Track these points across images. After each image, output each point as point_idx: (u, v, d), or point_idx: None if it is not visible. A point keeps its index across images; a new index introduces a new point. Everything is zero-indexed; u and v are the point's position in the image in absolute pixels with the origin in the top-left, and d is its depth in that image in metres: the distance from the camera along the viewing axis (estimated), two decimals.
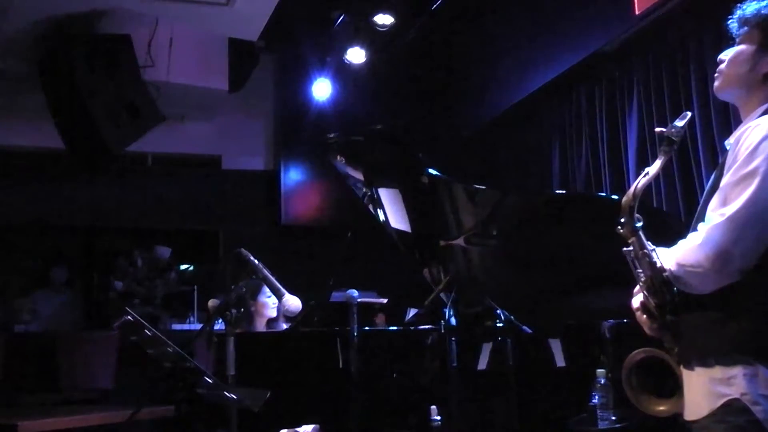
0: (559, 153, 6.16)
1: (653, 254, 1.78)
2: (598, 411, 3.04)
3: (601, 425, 3.02)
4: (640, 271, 1.80)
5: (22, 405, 5.23)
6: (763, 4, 1.90)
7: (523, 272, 3.68)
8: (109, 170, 6.76)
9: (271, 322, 3.87)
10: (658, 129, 1.84)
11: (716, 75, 1.95)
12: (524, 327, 3.47)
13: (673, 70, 4.83)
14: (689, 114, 1.85)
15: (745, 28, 1.90)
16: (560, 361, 3.40)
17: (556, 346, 3.41)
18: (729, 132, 2.01)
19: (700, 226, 1.75)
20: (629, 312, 1.96)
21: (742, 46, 1.89)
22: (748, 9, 1.91)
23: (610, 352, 3.33)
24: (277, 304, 3.76)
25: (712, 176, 1.91)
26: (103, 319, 6.86)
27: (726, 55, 1.92)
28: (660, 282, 1.77)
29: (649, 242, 1.79)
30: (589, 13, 5.33)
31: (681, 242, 1.79)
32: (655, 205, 4.78)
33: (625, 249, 1.82)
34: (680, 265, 1.74)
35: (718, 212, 1.71)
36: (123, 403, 5.07)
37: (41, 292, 6.79)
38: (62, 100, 5.54)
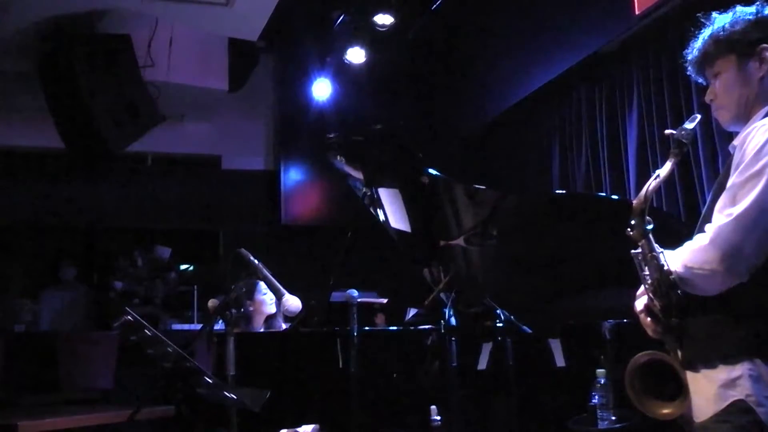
0: (559, 153, 6.16)
1: (661, 257, 1.77)
2: (598, 411, 3.04)
3: (601, 425, 3.02)
4: (647, 273, 1.79)
5: (22, 405, 5.23)
6: (707, 34, 1.93)
7: (523, 272, 3.68)
8: (109, 170, 6.76)
9: (270, 319, 3.87)
10: (668, 131, 1.83)
11: (716, 113, 1.96)
12: (524, 327, 3.47)
13: (673, 70, 4.82)
14: (698, 116, 1.85)
15: (715, 61, 1.91)
16: (560, 361, 3.40)
17: (556, 346, 3.41)
18: (728, 132, 2.01)
19: (707, 226, 1.74)
20: (629, 312, 1.95)
21: (723, 75, 1.91)
22: (698, 46, 1.94)
23: (610, 352, 3.33)
24: (274, 299, 3.77)
25: (719, 177, 1.90)
26: (103, 319, 6.86)
27: (712, 93, 1.95)
28: (666, 284, 1.76)
29: (657, 245, 1.78)
30: (589, 13, 5.33)
31: (687, 244, 1.79)
32: (654, 205, 4.78)
33: (633, 251, 1.81)
34: (687, 267, 1.74)
35: (726, 212, 1.71)
36: (123, 403, 5.08)
37: (50, 290, 6.78)
38: (62, 100, 5.54)
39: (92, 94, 5.39)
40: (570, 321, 3.61)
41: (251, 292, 3.73)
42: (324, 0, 6.68)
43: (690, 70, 2.00)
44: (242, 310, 3.48)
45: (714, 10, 2.00)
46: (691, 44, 1.98)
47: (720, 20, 1.92)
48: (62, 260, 6.88)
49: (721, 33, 1.90)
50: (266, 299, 3.79)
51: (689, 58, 1.99)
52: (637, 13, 4.78)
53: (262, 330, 3.85)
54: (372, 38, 6.61)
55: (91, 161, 5.94)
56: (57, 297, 6.74)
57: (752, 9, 1.90)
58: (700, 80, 2.00)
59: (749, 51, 1.86)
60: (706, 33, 1.94)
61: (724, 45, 1.89)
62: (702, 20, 1.97)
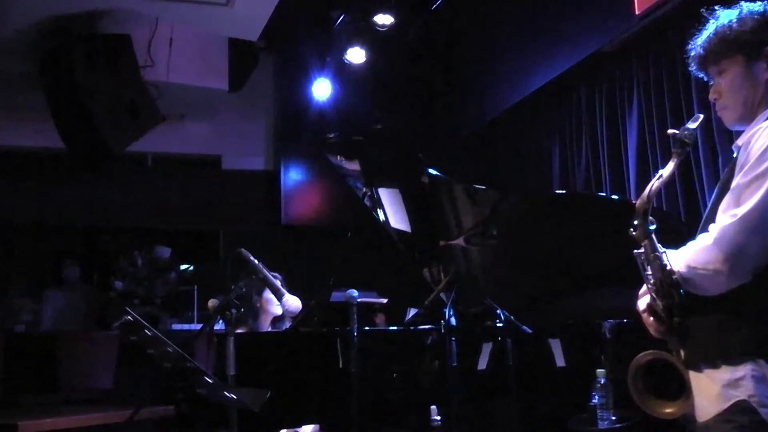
0: (559, 153, 6.16)
1: (664, 257, 1.77)
2: (598, 411, 3.04)
3: (601, 425, 3.02)
4: (649, 273, 1.79)
5: (22, 405, 5.22)
6: (711, 30, 1.89)
7: (523, 272, 3.68)
8: (109, 170, 6.76)
9: (277, 321, 3.86)
10: (670, 131, 1.82)
11: (720, 112, 1.93)
12: (524, 327, 3.47)
13: (673, 70, 4.82)
14: (701, 116, 1.84)
15: (721, 60, 1.88)
16: (560, 361, 3.40)
17: (556, 346, 3.41)
18: (728, 132, 2.00)
19: (711, 226, 1.74)
20: (629, 312, 1.95)
21: (730, 74, 1.88)
22: (703, 43, 1.90)
23: (610, 352, 3.33)
24: None
25: (722, 177, 1.90)
26: (103, 319, 6.85)
27: (716, 92, 1.92)
28: (669, 284, 1.76)
29: (659, 245, 1.78)
30: (589, 13, 5.33)
31: (690, 243, 1.78)
32: (654, 205, 4.77)
33: (636, 251, 1.80)
34: (690, 267, 1.73)
35: (730, 213, 1.71)
36: (123, 403, 5.06)
37: (54, 290, 6.76)
38: (62, 100, 5.54)
39: (92, 94, 5.39)
40: (570, 321, 3.61)
41: (261, 289, 3.71)
42: (324, 0, 6.68)
43: (692, 66, 1.97)
44: (242, 309, 3.47)
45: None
46: (694, 39, 1.95)
47: (725, 16, 1.89)
48: (65, 260, 6.87)
49: (728, 32, 1.86)
50: (274, 299, 3.79)
51: (692, 53, 1.95)
52: (637, 13, 4.78)
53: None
54: (372, 38, 6.61)
55: (91, 161, 5.93)
56: (61, 297, 6.73)
57: (759, 7, 1.87)
58: (701, 75, 1.98)
59: (757, 52, 1.84)
60: (710, 29, 1.90)
61: (731, 45, 1.86)
62: (705, 15, 1.93)
